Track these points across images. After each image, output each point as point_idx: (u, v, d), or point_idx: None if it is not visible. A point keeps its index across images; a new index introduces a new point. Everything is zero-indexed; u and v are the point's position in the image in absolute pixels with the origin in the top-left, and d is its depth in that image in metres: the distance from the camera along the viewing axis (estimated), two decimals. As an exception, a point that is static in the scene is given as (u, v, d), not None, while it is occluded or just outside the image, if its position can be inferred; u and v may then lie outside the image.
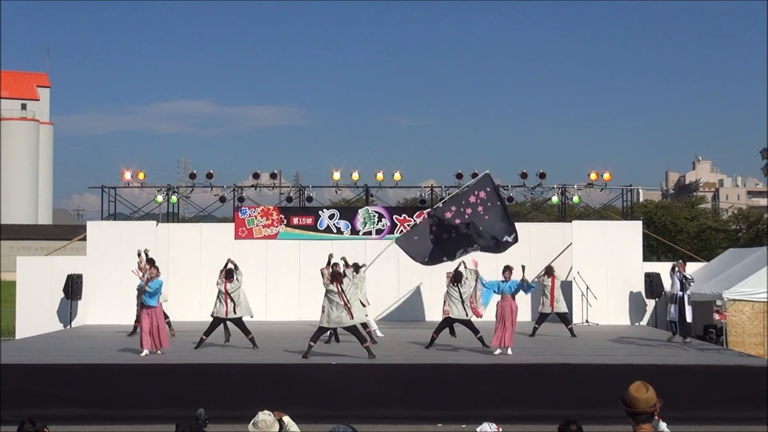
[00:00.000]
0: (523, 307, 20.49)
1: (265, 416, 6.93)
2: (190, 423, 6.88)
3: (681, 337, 17.29)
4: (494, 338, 15.03)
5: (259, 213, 23.37)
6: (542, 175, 23.56)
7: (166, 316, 16.51)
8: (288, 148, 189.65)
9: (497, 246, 18.05)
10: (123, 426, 12.60)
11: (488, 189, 18.69)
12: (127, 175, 23.53)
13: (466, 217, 18.27)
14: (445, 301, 16.62)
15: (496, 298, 15.65)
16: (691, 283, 17.66)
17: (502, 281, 15.36)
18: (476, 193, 18.68)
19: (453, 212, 18.50)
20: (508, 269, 15.54)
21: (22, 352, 15.45)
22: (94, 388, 13.18)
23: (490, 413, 10.99)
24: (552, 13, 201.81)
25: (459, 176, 23.48)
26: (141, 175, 23.63)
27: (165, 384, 13.26)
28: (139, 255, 17.25)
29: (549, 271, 19.42)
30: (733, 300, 18.66)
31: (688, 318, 17.40)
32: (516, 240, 17.92)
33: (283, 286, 22.75)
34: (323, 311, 14.70)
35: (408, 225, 23.19)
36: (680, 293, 17.37)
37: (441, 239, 18.53)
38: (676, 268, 17.74)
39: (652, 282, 21.42)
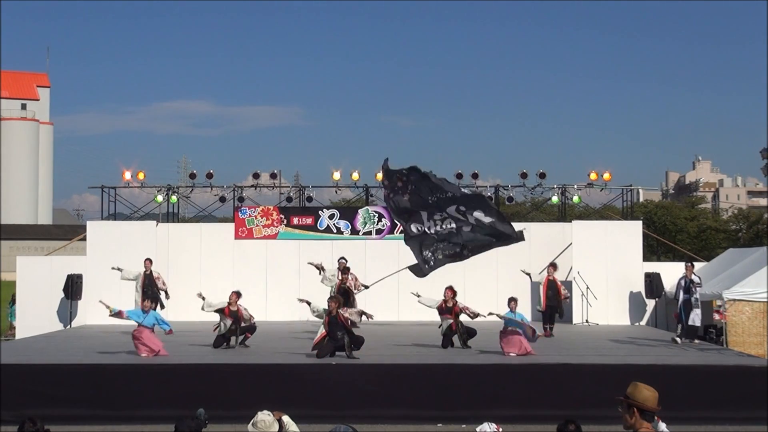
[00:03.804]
0: (525, 303, 20.51)
1: (264, 416, 6.95)
2: (189, 423, 6.87)
3: (686, 338, 17.15)
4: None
5: (259, 213, 23.37)
6: (542, 175, 23.56)
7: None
8: (288, 148, 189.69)
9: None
10: (123, 426, 12.59)
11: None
12: (127, 175, 23.53)
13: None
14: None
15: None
16: (698, 288, 17.35)
17: (509, 312, 15.12)
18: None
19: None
20: (513, 300, 15.43)
21: (22, 352, 15.44)
22: (94, 388, 13.17)
23: (490, 413, 10.97)
24: (552, 13, 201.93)
25: (459, 176, 23.48)
26: (141, 175, 23.63)
27: (165, 384, 13.25)
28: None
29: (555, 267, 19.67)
30: (733, 300, 18.66)
31: (696, 321, 17.22)
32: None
33: (283, 286, 22.72)
34: (321, 338, 14.49)
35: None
36: (686, 296, 17.18)
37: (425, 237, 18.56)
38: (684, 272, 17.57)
39: (652, 282, 21.42)
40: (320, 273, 18.74)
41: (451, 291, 16.35)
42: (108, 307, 15.18)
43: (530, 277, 19.89)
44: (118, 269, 19.28)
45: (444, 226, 17.41)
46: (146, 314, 14.97)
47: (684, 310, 17.07)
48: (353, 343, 14.37)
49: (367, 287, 18.99)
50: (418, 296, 16.65)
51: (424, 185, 17.33)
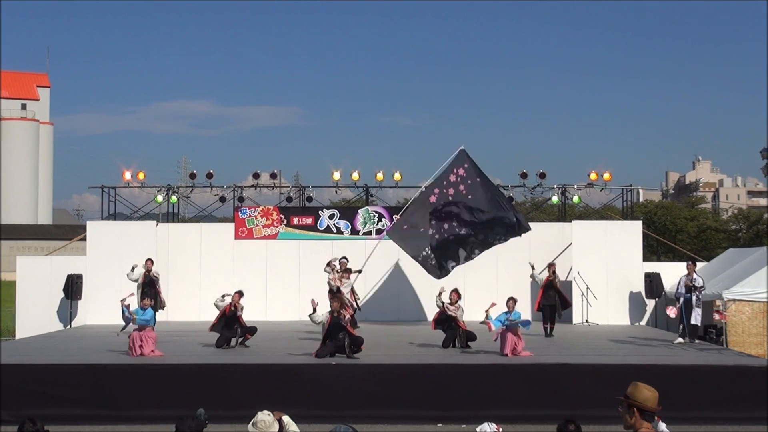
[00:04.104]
0: (524, 303, 20.51)
1: (264, 416, 6.94)
2: (190, 423, 6.86)
3: (687, 337, 17.13)
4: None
5: (259, 213, 23.37)
6: (542, 175, 23.55)
7: None
8: (288, 148, 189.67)
9: (505, 231, 18.84)
10: (123, 426, 12.59)
11: (466, 165, 19.11)
12: (127, 175, 23.52)
13: (450, 198, 18.88)
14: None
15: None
16: (702, 290, 17.26)
17: (506, 312, 15.07)
18: (455, 171, 19.06)
19: (437, 195, 19.01)
20: (511, 300, 15.34)
21: (22, 352, 15.44)
22: (94, 388, 13.18)
23: (490, 413, 10.98)
24: (552, 13, 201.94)
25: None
26: (141, 175, 23.62)
27: (165, 384, 13.25)
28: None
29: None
30: (733, 300, 18.65)
31: (697, 321, 17.23)
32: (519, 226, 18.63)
33: (283, 286, 22.74)
34: (324, 342, 14.54)
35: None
36: (688, 295, 17.14)
37: (439, 240, 18.92)
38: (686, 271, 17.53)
39: (652, 282, 21.41)
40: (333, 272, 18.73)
41: (456, 294, 16.36)
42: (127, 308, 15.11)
43: (532, 268, 19.81)
44: (133, 267, 19.23)
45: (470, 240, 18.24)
46: (144, 312, 15.00)
47: (685, 309, 17.04)
48: (353, 344, 14.39)
49: (360, 271, 18.96)
50: (441, 294, 16.57)
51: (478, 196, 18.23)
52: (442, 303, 16.39)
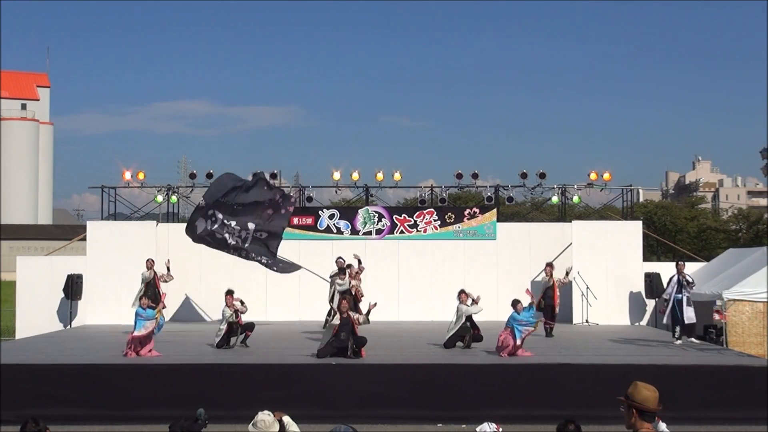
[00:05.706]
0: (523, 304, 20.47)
1: (264, 416, 6.95)
2: (183, 423, 6.86)
3: (685, 337, 17.17)
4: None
5: (259, 213, 23.31)
6: (542, 175, 23.56)
7: None
8: (288, 148, 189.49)
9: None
10: (123, 426, 12.60)
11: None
12: (127, 175, 23.52)
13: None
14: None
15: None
16: (692, 287, 17.37)
17: (520, 312, 14.94)
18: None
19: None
20: (519, 303, 15.23)
21: (22, 352, 15.44)
22: (94, 388, 13.18)
23: (490, 413, 10.99)
24: (551, 13, 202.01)
25: (459, 176, 23.50)
26: (141, 175, 23.62)
27: (165, 384, 13.25)
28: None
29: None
30: (733, 300, 18.65)
31: (693, 319, 17.25)
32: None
33: (283, 286, 22.72)
34: (325, 342, 14.56)
35: (408, 225, 23.20)
36: (678, 295, 17.21)
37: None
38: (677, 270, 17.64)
39: (652, 282, 21.42)
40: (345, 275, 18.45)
41: (465, 295, 16.31)
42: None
43: (566, 274, 19.69)
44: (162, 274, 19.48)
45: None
46: (145, 311, 14.97)
47: (678, 309, 17.09)
48: (356, 344, 14.39)
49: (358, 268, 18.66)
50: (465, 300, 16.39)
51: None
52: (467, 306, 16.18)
